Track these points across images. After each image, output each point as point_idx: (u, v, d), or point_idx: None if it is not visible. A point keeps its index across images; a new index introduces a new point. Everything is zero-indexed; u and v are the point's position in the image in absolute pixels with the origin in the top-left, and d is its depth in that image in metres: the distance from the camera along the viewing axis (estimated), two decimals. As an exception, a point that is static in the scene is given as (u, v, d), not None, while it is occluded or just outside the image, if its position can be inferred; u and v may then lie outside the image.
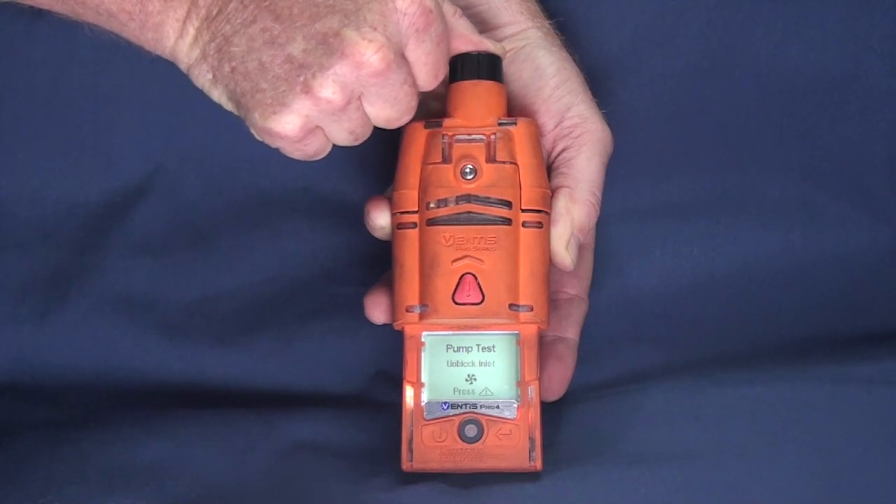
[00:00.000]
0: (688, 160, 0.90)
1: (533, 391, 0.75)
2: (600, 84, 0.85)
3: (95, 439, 0.82)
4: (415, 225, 0.76)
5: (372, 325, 0.79)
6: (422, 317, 0.75)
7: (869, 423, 0.76)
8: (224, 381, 0.86)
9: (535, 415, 0.75)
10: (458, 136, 0.76)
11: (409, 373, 0.76)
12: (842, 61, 0.89)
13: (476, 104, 0.77)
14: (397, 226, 0.76)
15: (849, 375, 0.80)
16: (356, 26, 0.71)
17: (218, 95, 0.74)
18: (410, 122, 0.77)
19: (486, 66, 0.77)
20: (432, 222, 0.75)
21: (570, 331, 0.82)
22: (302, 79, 0.72)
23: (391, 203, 0.77)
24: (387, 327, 0.79)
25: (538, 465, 0.75)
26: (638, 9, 0.89)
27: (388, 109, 0.74)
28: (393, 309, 0.77)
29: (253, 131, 0.74)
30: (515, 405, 0.75)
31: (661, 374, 0.84)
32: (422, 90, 0.75)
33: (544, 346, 0.80)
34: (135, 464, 0.79)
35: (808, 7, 0.89)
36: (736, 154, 0.90)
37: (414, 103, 0.74)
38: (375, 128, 0.83)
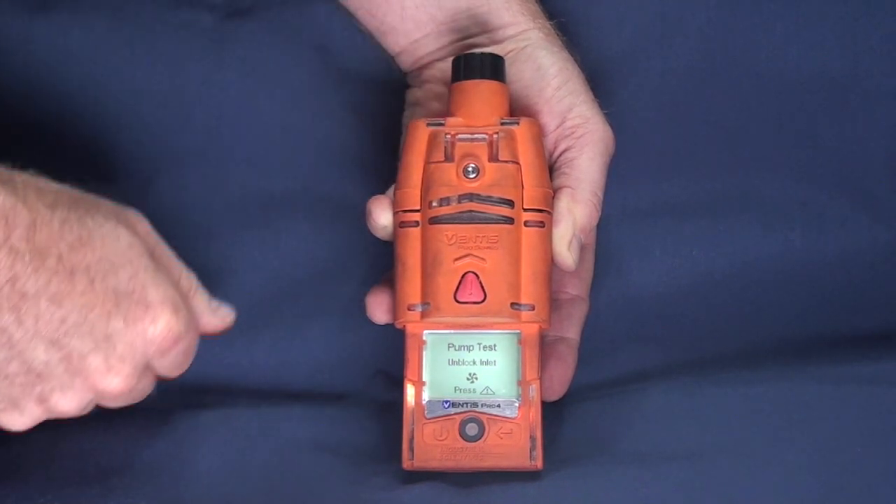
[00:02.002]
0: (688, 160, 0.90)
1: (534, 390, 0.75)
2: (601, 84, 0.86)
3: (95, 439, 0.81)
4: (417, 223, 0.76)
5: (372, 324, 0.79)
6: (423, 315, 0.75)
7: (869, 423, 0.76)
8: (224, 381, 0.86)
9: (536, 414, 0.75)
10: (460, 135, 0.76)
11: (410, 371, 0.76)
12: (842, 61, 0.89)
13: (479, 103, 0.77)
14: (399, 224, 0.76)
15: (849, 375, 0.80)
16: (105, 355, 0.72)
17: None
18: (413, 120, 0.78)
19: (488, 66, 0.78)
20: (434, 221, 0.75)
21: (571, 331, 0.82)
22: (38, 389, 0.73)
23: (393, 202, 0.77)
24: (387, 326, 0.79)
25: (539, 464, 0.75)
26: (638, 9, 0.89)
27: (124, 401, 0.76)
28: (394, 308, 0.77)
29: None
30: (516, 404, 0.75)
31: (661, 374, 0.84)
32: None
33: (545, 346, 0.80)
34: (135, 464, 0.79)
35: (808, 7, 0.89)
36: (736, 154, 0.90)
37: (151, 388, 0.77)
38: (375, 127, 0.84)
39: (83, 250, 0.71)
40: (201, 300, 0.78)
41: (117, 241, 0.72)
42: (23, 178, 0.71)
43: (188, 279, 0.77)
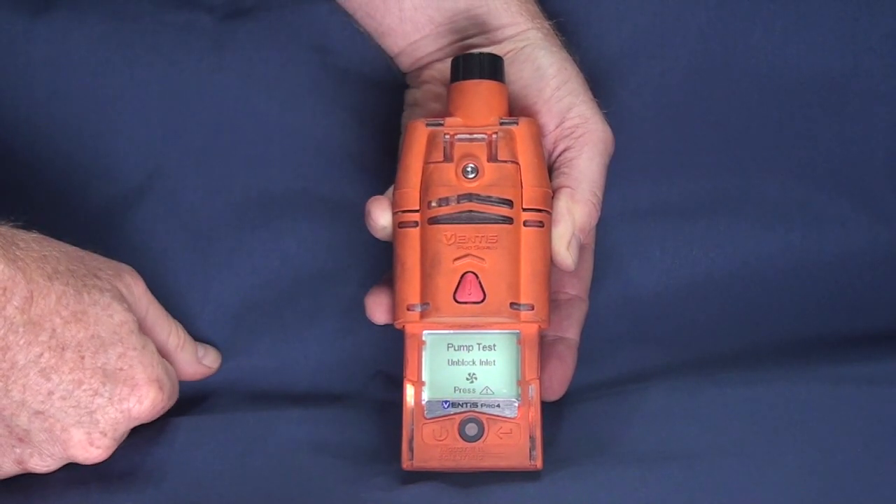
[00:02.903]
0: (688, 160, 0.90)
1: (533, 390, 0.75)
2: (600, 84, 0.86)
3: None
4: (416, 224, 0.76)
5: (372, 324, 0.79)
6: (423, 315, 0.75)
7: (869, 423, 0.76)
8: (224, 382, 0.86)
9: (535, 414, 0.75)
10: (459, 136, 0.76)
11: (409, 371, 0.76)
12: (842, 61, 0.89)
13: (478, 103, 0.77)
14: (398, 224, 0.76)
15: (848, 375, 0.80)
16: (87, 429, 0.75)
17: None
18: (412, 120, 0.77)
19: (487, 66, 0.78)
20: (434, 221, 0.75)
21: (571, 331, 0.82)
22: (17, 452, 0.76)
23: (392, 202, 0.77)
24: (386, 327, 0.79)
25: (538, 464, 0.75)
26: (638, 9, 0.89)
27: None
28: (394, 308, 0.77)
29: None
30: (516, 404, 0.75)
31: (661, 374, 0.84)
32: None
33: (545, 346, 0.80)
34: (135, 466, 0.79)
35: (808, 7, 0.89)
36: (735, 154, 0.90)
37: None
38: (375, 127, 0.84)
39: (76, 326, 0.74)
40: (188, 354, 0.82)
41: (110, 318, 0.75)
42: (24, 241, 0.74)
43: (178, 335, 0.81)
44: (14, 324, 0.72)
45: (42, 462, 0.76)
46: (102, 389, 0.75)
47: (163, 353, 0.80)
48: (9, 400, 0.74)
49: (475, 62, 0.78)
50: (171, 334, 0.81)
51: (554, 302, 0.81)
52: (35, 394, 0.74)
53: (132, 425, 0.77)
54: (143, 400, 0.76)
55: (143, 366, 0.76)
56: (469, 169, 0.76)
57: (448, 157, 0.76)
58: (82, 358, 0.74)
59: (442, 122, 0.77)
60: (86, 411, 0.75)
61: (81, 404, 0.75)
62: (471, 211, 0.75)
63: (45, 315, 0.73)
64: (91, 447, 0.76)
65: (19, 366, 0.73)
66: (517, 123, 0.77)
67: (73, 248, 0.78)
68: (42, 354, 0.73)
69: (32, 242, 0.74)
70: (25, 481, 0.78)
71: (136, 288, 0.78)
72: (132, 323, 0.77)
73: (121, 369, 0.76)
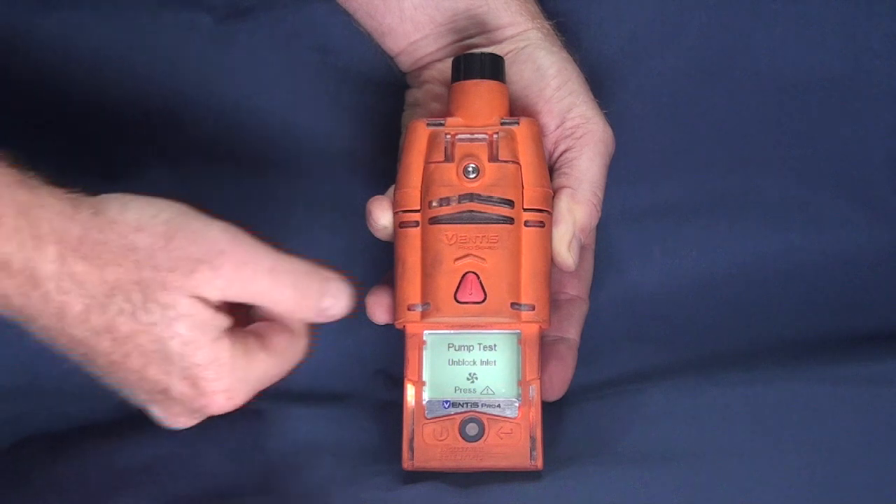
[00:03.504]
0: (688, 160, 0.90)
1: (534, 390, 0.75)
2: (600, 85, 0.86)
3: (97, 440, 0.82)
4: (417, 224, 0.76)
5: (372, 324, 0.79)
6: (423, 315, 0.75)
7: (869, 423, 0.76)
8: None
9: (536, 414, 0.75)
10: (460, 135, 0.76)
11: (410, 371, 0.76)
12: (842, 61, 0.89)
13: (478, 103, 0.77)
14: (399, 224, 0.76)
15: (849, 375, 0.80)
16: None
17: None
18: (413, 120, 0.77)
19: (488, 66, 0.78)
20: (434, 221, 0.75)
21: (571, 331, 0.82)
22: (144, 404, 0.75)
23: (393, 202, 0.77)
24: (386, 326, 0.79)
25: (539, 464, 0.75)
26: (638, 9, 0.89)
27: None
28: (394, 308, 0.77)
29: None
30: (517, 404, 0.75)
31: (661, 374, 0.84)
32: None
33: (545, 347, 0.80)
34: (136, 464, 0.79)
35: (808, 7, 0.89)
36: (735, 154, 0.90)
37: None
38: (375, 127, 0.84)
39: (142, 337, 0.71)
40: (301, 318, 0.75)
41: (171, 340, 0.71)
42: (102, 232, 0.71)
43: (286, 300, 0.73)
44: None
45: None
46: (166, 396, 0.73)
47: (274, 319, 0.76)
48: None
49: (476, 62, 0.78)
50: (279, 302, 0.73)
51: (554, 302, 0.81)
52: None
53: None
54: (211, 406, 0.73)
55: (206, 380, 0.72)
56: (470, 169, 0.76)
57: (449, 157, 0.76)
58: (147, 366, 0.72)
59: (443, 121, 0.77)
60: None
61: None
62: (472, 211, 0.75)
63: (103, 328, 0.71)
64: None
65: (107, 363, 0.72)
66: (518, 123, 0.77)
67: (163, 230, 0.71)
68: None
69: (114, 233, 0.71)
70: (27, 478, 0.78)
71: (217, 280, 0.71)
72: (200, 339, 0.72)
73: (184, 379, 0.73)
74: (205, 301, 0.71)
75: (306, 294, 0.73)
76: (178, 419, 0.74)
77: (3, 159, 0.71)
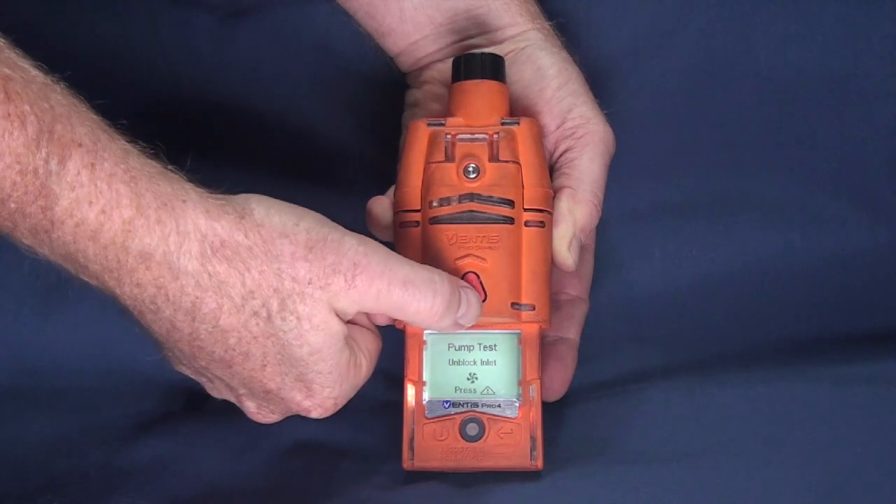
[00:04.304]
0: (688, 161, 0.90)
1: (534, 390, 0.75)
2: (600, 85, 0.86)
3: (96, 439, 0.82)
4: (417, 224, 0.76)
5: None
6: (424, 315, 0.75)
7: (869, 423, 0.76)
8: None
9: (536, 414, 0.75)
10: (460, 135, 0.76)
11: (410, 371, 0.76)
12: (842, 61, 0.89)
13: (479, 104, 0.77)
14: (400, 224, 0.76)
15: (849, 375, 0.80)
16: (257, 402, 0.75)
17: None
18: (413, 120, 0.77)
19: (489, 66, 0.78)
20: (435, 221, 0.75)
21: (571, 331, 0.82)
22: (234, 395, 0.75)
23: (393, 202, 0.77)
24: (387, 326, 0.79)
25: (539, 464, 0.75)
26: (638, 10, 0.89)
27: None
28: (395, 308, 0.77)
29: None
30: (517, 404, 0.75)
31: (661, 374, 0.84)
32: None
33: (545, 347, 0.80)
34: (135, 463, 0.79)
35: (808, 7, 0.89)
36: (736, 154, 0.90)
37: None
38: (375, 127, 0.84)
39: (267, 341, 0.71)
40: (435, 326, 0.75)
41: (300, 348, 0.72)
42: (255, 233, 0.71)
43: (416, 309, 0.73)
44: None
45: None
46: (271, 395, 0.74)
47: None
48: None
49: (477, 62, 0.78)
50: (414, 314, 0.73)
51: (555, 302, 0.81)
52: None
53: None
54: (317, 410, 0.73)
55: (323, 387, 0.73)
56: (470, 169, 0.76)
57: (449, 157, 0.76)
58: (264, 366, 0.72)
59: (443, 122, 0.77)
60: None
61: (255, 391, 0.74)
62: (472, 211, 0.75)
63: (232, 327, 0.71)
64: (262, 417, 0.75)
65: (216, 357, 0.72)
66: (518, 123, 0.77)
67: (304, 238, 0.71)
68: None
69: (260, 238, 0.71)
70: (25, 475, 0.78)
71: (352, 292, 0.71)
72: (326, 350, 0.72)
73: (298, 382, 0.73)
74: (338, 313, 0.71)
75: (442, 304, 0.73)
76: (269, 416, 0.75)
77: (145, 151, 0.71)
